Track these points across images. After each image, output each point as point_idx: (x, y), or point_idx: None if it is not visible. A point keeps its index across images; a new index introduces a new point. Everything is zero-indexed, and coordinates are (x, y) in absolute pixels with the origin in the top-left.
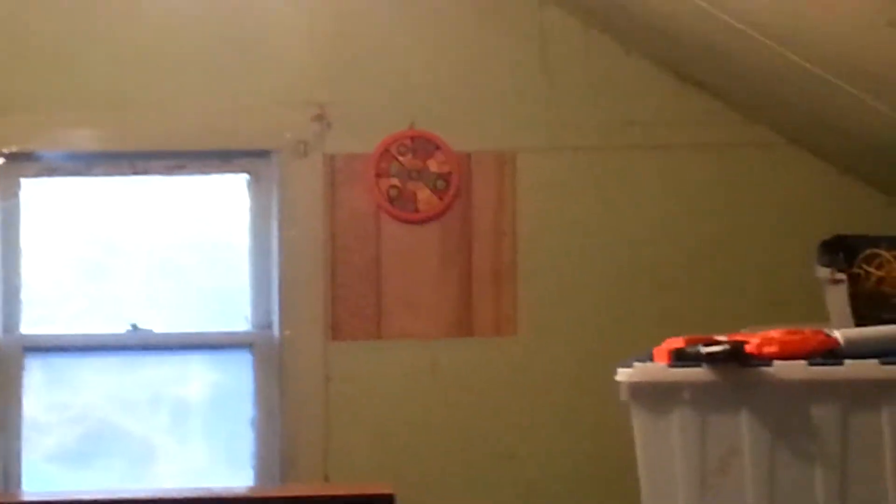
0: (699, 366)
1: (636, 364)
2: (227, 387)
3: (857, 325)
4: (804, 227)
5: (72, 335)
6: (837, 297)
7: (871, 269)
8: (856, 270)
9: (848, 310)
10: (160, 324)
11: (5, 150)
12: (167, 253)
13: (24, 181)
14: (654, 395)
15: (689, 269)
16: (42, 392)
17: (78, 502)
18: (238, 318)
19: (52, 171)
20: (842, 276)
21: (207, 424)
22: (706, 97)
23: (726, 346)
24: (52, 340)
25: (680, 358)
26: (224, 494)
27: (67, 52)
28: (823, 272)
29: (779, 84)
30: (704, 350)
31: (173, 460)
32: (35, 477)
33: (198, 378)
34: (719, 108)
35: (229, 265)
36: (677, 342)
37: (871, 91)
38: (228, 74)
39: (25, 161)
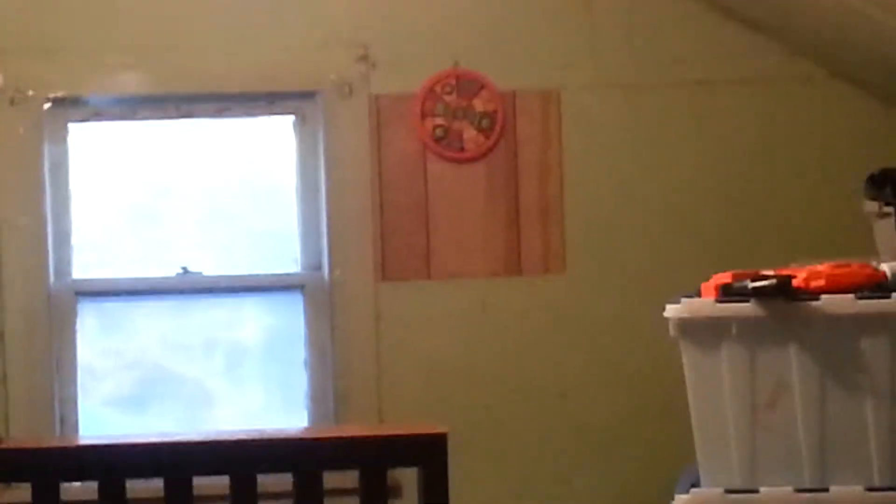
0: (747, 301)
1: (684, 300)
2: (280, 329)
3: None
4: (851, 162)
5: (123, 279)
6: (885, 231)
7: None
8: None
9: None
10: (211, 267)
11: (52, 95)
12: (216, 196)
13: (71, 125)
14: (703, 331)
15: (736, 205)
16: (96, 337)
17: (133, 444)
18: (288, 260)
19: (99, 115)
20: (889, 209)
21: (261, 367)
22: (748, 32)
23: (773, 281)
24: (104, 285)
25: (727, 293)
26: (277, 436)
27: None
28: (871, 206)
29: (820, 16)
30: (752, 285)
31: (229, 403)
32: (92, 421)
33: (250, 320)
34: (762, 43)
35: (279, 207)
36: (725, 277)
37: None
38: (272, 16)
39: (72, 105)
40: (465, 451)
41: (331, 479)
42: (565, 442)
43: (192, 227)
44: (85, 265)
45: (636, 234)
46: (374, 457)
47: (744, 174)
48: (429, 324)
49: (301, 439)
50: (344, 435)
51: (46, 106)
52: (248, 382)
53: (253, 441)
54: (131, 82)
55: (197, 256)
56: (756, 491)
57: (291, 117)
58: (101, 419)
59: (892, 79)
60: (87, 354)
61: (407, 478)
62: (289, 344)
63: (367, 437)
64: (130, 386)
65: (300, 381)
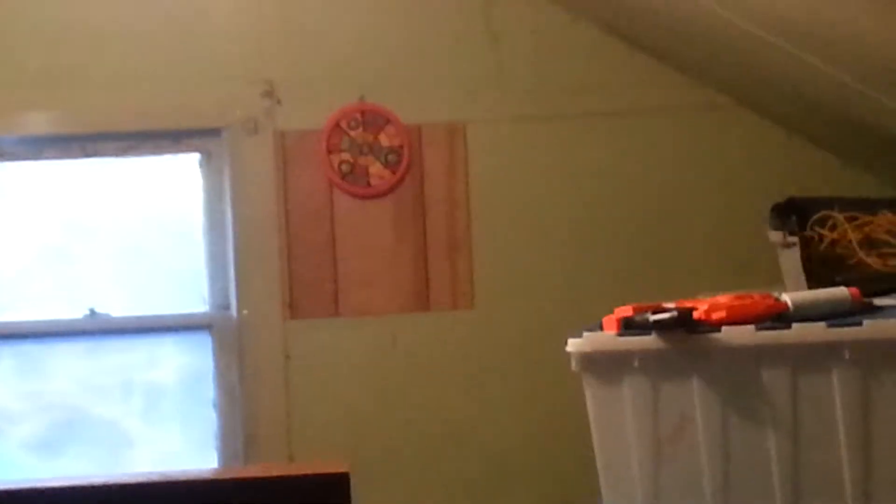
0: (648, 334)
1: (586, 334)
2: (192, 368)
3: (811, 288)
4: (756, 190)
5: (31, 321)
6: (791, 261)
7: (825, 232)
8: (808, 233)
9: (801, 273)
10: (121, 307)
11: None
12: (124, 235)
13: None
14: (605, 365)
15: (643, 235)
16: (10, 379)
17: (40, 489)
18: (197, 298)
19: (3, 156)
20: (794, 239)
21: (176, 407)
22: (654, 62)
23: (674, 313)
24: (10, 328)
25: (628, 326)
26: (181, 478)
27: (11, 34)
28: (776, 235)
29: (724, 46)
30: (652, 318)
31: (145, 444)
32: (8, 465)
33: (163, 360)
34: (667, 73)
35: (187, 246)
36: (626, 311)
37: (816, 53)
38: (176, 53)
39: None
40: (375, 488)
41: None
42: (475, 477)
43: (101, 265)
44: None
45: (544, 266)
46: (275, 498)
47: (651, 204)
48: (338, 361)
49: (203, 481)
50: (245, 476)
51: None
52: (163, 423)
53: (155, 484)
54: (35, 122)
55: (107, 296)
56: None
57: (197, 155)
58: (17, 463)
59: (796, 107)
60: (1, 397)
61: None
62: (201, 383)
63: (268, 479)
64: (47, 429)
65: (212, 421)
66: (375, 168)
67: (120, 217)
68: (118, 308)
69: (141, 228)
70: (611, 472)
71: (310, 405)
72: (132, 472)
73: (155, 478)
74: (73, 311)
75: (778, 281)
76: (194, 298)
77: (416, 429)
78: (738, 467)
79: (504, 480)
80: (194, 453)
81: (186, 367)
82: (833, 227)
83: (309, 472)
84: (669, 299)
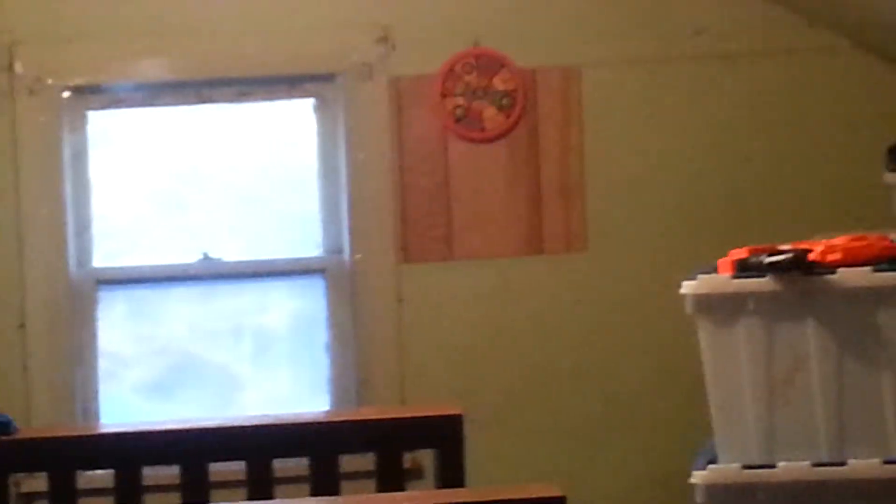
0: (763, 276)
1: (700, 276)
2: (304, 312)
3: None
4: (871, 133)
5: (144, 266)
6: None
7: None
8: None
9: None
10: (233, 252)
11: (70, 83)
12: (238, 180)
13: (90, 113)
14: (719, 307)
15: (757, 179)
16: (122, 324)
17: (148, 432)
18: (311, 243)
19: (118, 103)
20: None
21: (286, 351)
22: (769, 4)
23: (789, 255)
24: (125, 273)
25: (743, 268)
26: (292, 420)
27: None
28: (892, 177)
29: None
30: (767, 260)
31: (255, 388)
32: (119, 409)
33: (274, 305)
34: (783, 14)
35: (300, 191)
36: (741, 253)
37: None
38: (290, 0)
39: (91, 93)
40: (487, 432)
41: (348, 463)
42: (587, 420)
43: (214, 212)
44: (107, 253)
45: (657, 210)
46: (389, 439)
47: (765, 147)
48: (451, 305)
49: (316, 423)
50: (358, 418)
51: (65, 94)
52: (273, 367)
53: (268, 426)
54: (150, 69)
55: (219, 241)
56: (773, 466)
57: (311, 100)
58: (128, 406)
59: None
60: (113, 342)
61: (428, 459)
62: (312, 328)
63: (382, 420)
64: (157, 372)
65: (324, 366)
66: (489, 112)
67: (234, 163)
68: (232, 253)
69: (255, 174)
70: (724, 414)
71: (422, 349)
72: (246, 415)
73: (269, 420)
74: (187, 257)
75: (893, 224)
76: (308, 243)
77: (528, 372)
78: (852, 409)
79: (619, 423)
80: (307, 397)
81: (299, 311)
82: None
83: (422, 413)
84: (784, 242)
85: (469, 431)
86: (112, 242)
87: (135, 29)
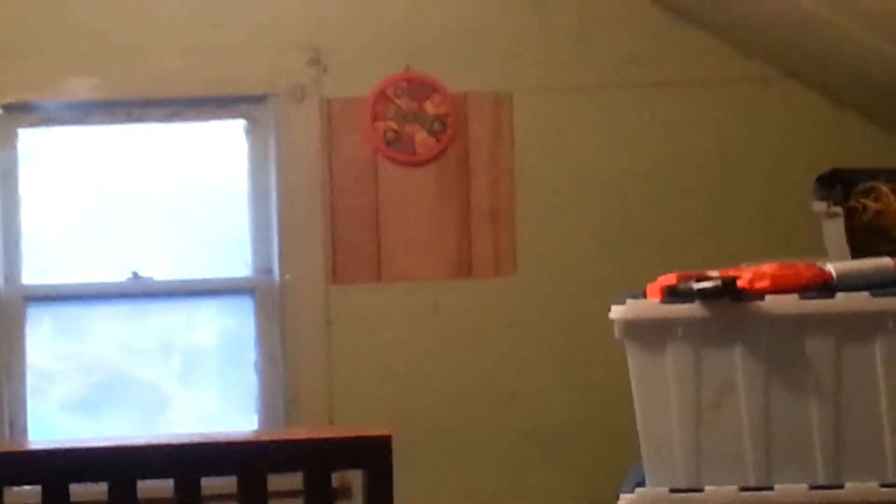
0: (692, 302)
1: (629, 301)
2: (232, 332)
3: (854, 258)
4: (801, 162)
5: (72, 284)
6: (834, 231)
7: (869, 203)
8: (853, 204)
9: (845, 244)
10: (163, 271)
11: (1, 101)
12: (168, 200)
13: (21, 131)
14: (648, 332)
15: (687, 206)
16: (50, 341)
17: (76, 449)
18: (240, 263)
19: (49, 121)
20: (838, 209)
21: (214, 370)
22: (701, 33)
23: (718, 282)
24: (53, 290)
25: (672, 294)
26: (222, 439)
27: (61, 1)
28: (820, 206)
29: (773, 19)
30: (696, 286)
31: (183, 406)
32: (47, 426)
33: (203, 324)
34: (715, 44)
35: (230, 211)
36: (670, 279)
37: (865, 26)
38: (223, 19)
39: (22, 111)
40: (416, 454)
41: (276, 482)
42: (515, 443)
43: (144, 231)
44: (37, 270)
45: (587, 235)
46: (317, 459)
47: (696, 175)
48: (380, 327)
49: (245, 442)
50: (288, 438)
51: None
52: (202, 386)
53: (197, 445)
54: (81, 87)
55: (149, 260)
56: (701, 490)
57: (242, 121)
58: (55, 424)
59: (843, 79)
60: (40, 358)
61: (357, 478)
62: (241, 347)
63: (311, 440)
64: (85, 390)
65: (252, 385)
66: (421, 136)
67: (165, 182)
68: (161, 272)
69: (186, 194)
70: (652, 440)
71: (351, 370)
72: (174, 433)
73: (198, 438)
74: (116, 275)
75: (821, 252)
76: (237, 263)
77: (457, 395)
78: (779, 436)
79: (544, 447)
80: (235, 416)
81: (228, 330)
82: (878, 198)
83: (352, 434)
84: (713, 269)
85: (398, 453)
86: (41, 259)
87: (67, 47)
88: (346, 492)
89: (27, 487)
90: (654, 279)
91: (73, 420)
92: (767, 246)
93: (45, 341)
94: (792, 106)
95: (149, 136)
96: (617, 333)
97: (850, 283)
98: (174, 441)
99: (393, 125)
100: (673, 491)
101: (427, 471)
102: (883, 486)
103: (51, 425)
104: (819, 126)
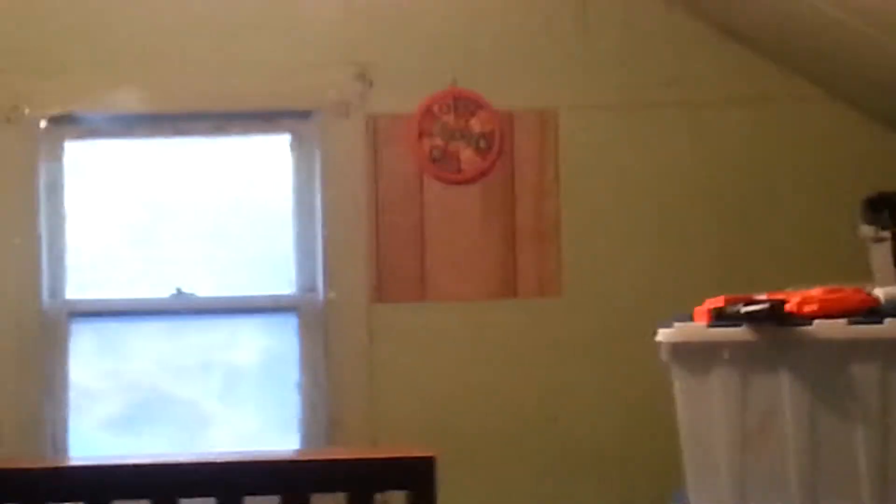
0: (739, 325)
1: (676, 324)
2: (275, 350)
3: None
4: (847, 184)
5: (117, 300)
6: (881, 256)
7: None
8: None
9: (892, 268)
10: (206, 288)
11: (48, 113)
12: (212, 216)
13: (67, 144)
14: (694, 355)
15: (732, 227)
16: (91, 357)
17: (120, 466)
18: (283, 281)
19: (95, 134)
20: (886, 233)
21: (256, 389)
22: (746, 52)
23: (766, 306)
24: (97, 305)
25: (719, 317)
26: (265, 458)
27: (109, 13)
28: (867, 230)
29: (820, 37)
30: (744, 309)
31: (223, 424)
32: (86, 443)
33: (245, 342)
34: (760, 63)
35: (274, 228)
36: (717, 302)
37: None
38: (270, 35)
39: (68, 124)
40: (457, 474)
41: (318, 502)
42: (557, 465)
43: (188, 247)
44: (79, 285)
45: (632, 256)
46: (361, 480)
47: (740, 195)
48: (423, 346)
49: (289, 461)
50: (331, 458)
51: (42, 124)
52: (242, 404)
53: (240, 463)
54: (128, 100)
55: (192, 277)
56: None
57: (288, 136)
58: (95, 441)
59: (891, 101)
60: (81, 375)
61: (396, 500)
62: (283, 365)
63: (355, 461)
64: (125, 407)
65: (294, 404)
66: (466, 154)
67: (209, 198)
68: (205, 289)
69: (230, 209)
70: (697, 463)
71: (393, 389)
72: (217, 451)
73: (241, 457)
74: (159, 291)
75: (868, 276)
76: (281, 281)
77: (500, 416)
78: (824, 462)
79: (587, 470)
80: (276, 436)
81: (271, 348)
82: None
83: (395, 454)
84: (758, 292)
85: (439, 474)
86: (85, 274)
87: (113, 60)
88: None
89: None
90: (699, 301)
91: (112, 438)
92: (813, 269)
93: (87, 357)
94: (838, 127)
95: (194, 151)
96: (664, 356)
97: None
98: (217, 459)
99: (439, 142)
100: None
101: (468, 492)
102: None
103: (90, 442)
104: (866, 148)
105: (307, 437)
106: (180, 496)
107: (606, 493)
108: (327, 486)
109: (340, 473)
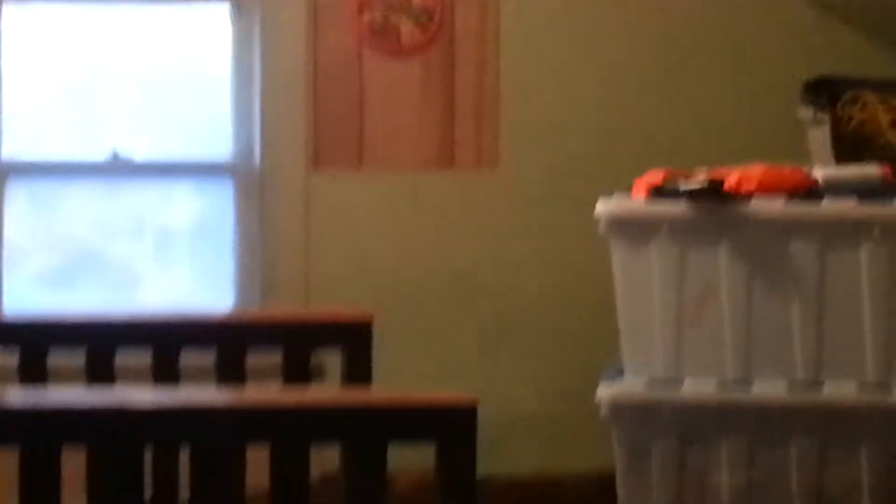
0: (678, 201)
1: (616, 197)
2: (211, 214)
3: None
4: (789, 67)
5: (52, 161)
6: (819, 138)
7: (855, 112)
8: (839, 112)
9: (829, 151)
10: (144, 150)
11: None
12: (151, 80)
13: (4, 6)
14: (633, 230)
15: (674, 104)
16: (25, 216)
17: (61, 318)
18: (220, 146)
19: None
20: (824, 116)
21: (190, 250)
22: None
23: (705, 183)
24: (33, 165)
25: (659, 193)
26: (202, 314)
27: None
28: (806, 113)
29: None
30: (683, 187)
31: (156, 284)
32: (18, 299)
33: (180, 204)
34: None
35: (213, 94)
36: (656, 176)
37: None
38: None
39: None
40: (392, 340)
41: (254, 361)
42: (491, 334)
43: (126, 109)
44: (16, 146)
45: (571, 130)
46: (299, 337)
47: (683, 72)
48: (360, 214)
49: (225, 318)
50: (269, 315)
51: None
52: (176, 265)
53: (176, 317)
54: None
55: (129, 140)
56: (680, 381)
57: (227, 5)
58: (28, 297)
59: None
60: (15, 232)
61: (330, 360)
62: (218, 229)
63: (293, 319)
64: (58, 265)
65: (228, 267)
66: (406, 27)
67: (149, 63)
68: (141, 152)
69: (169, 75)
70: (633, 337)
71: (329, 256)
72: (151, 309)
73: (178, 312)
74: (95, 153)
75: (806, 158)
76: (218, 146)
77: (433, 285)
78: (760, 337)
79: (524, 338)
80: (209, 297)
81: (207, 212)
82: (863, 108)
83: (334, 314)
84: (696, 166)
85: (374, 338)
86: (22, 135)
87: None
88: (319, 373)
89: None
90: (638, 175)
91: (45, 295)
92: (753, 149)
93: (22, 217)
94: (782, 9)
95: (134, 16)
96: (602, 229)
97: (836, 189)
98: (154, 314)
99: (378, 15)
100: (652, 381)
101: (403, 360)
102: (861, 385)
103: (23, 299)
104: (808, 32)
105: (240, 299)
106: (117, 346)
107: (544, 362)
108: (264, 343)
109: (278, 331)
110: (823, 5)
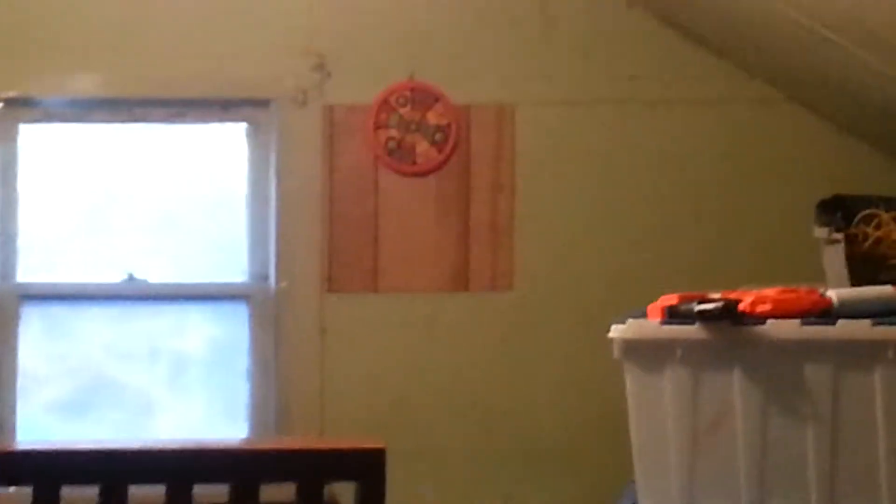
0: (692, 323)
1: (629, 321)
2: (224, 338)
3: (854, 286)
4: (803, 186)
5: (68, 283)
6: (834, 258)
7: (869, 230)
8: (853, 231)
9: (844, 270)
10: (158, 274)
11: (3, 95)
12: (166, 202)
13: (22, 126)
14: (647, 353)
15: (689, 226)
16: (40, 341)
17: (69, 451)
18: (235, 269)
19: (50, 117)
20: (839, 236)
21: (204, 376)
22: (705, 52)
23: (719, 304)
24: (49, 289)
25: (673, 315)
26: (215, 446)
27: None
28: (821, 232)
29: (779, 40)
30: (698, 308)
31: (170, 412)
32: (32, 427)
33: (195, 329)
34: (719, 64)
35: (228, 216)
36: (671, 299)
37: (871, 50)
38: (229, 22)
39: (24, 106)
40: (406, 467)
41: (268, 492)
42: (508, 459)
43: (141, 233)
44: (31, 269)
45: (587, 252)
46: (311, 470)
47: (697, 195)
48: (374, 338)
49: (239, 450)
50: (282, 447)
51: None
52: (190, 392)
53: (190, 451)
54: (84, 84)
55: (144, 263)
56: None
57: (244, 125)
58: (41, 425)
59: (847, 103)
60: (29, 359)
61: (344, 491)
62: (233, 354)
63: (306, 451)
64: (72, 392)
65: (243, 392)
66: (422, 146)
67: (164, 184)
68: (157, 275)
69: (184, 197)
70: (647, 461)
71: (343, 380)
72: (165, 438)
73: (190, 444)
74: (111, 276)
75: (821, 278)
76: (233, 269)
77: (449, 409)
78: (774, 462)
79: (537, 465)
80: (224, 424)
81: (221, 336)
82: (878, 226)
83: (347, 446)
84: (712, 290)
85: (388, 465)
86: (37, 258)
87: (71, 44)
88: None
89: (13, 489)
90: (653, 299)
91: (59, 423)
92: (768, 270)
93: (36, 341)
94: (794, 129)
95: (150, 137)
96: (616, 353)
97: (850, 311)
98: (168, 446)
99: (395, 134)
100: None
101: (416, 484)
102: None
103: (37, 427)
104: (822, 150)
105: (255, 426)
106: (130, 482)
107: (556, 487)
108: (278, 476)
109: (291, 463)
110: (836, 123)
